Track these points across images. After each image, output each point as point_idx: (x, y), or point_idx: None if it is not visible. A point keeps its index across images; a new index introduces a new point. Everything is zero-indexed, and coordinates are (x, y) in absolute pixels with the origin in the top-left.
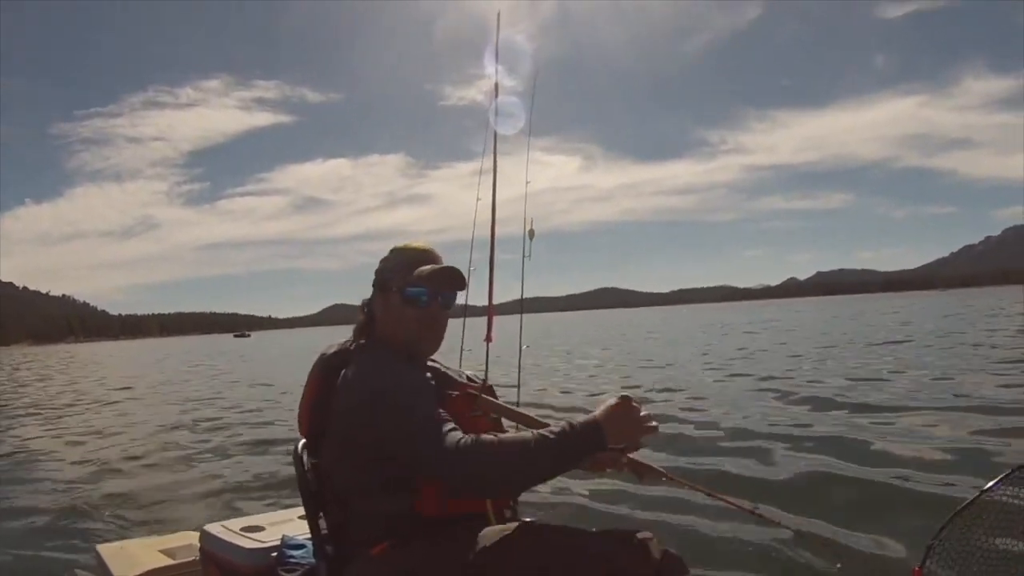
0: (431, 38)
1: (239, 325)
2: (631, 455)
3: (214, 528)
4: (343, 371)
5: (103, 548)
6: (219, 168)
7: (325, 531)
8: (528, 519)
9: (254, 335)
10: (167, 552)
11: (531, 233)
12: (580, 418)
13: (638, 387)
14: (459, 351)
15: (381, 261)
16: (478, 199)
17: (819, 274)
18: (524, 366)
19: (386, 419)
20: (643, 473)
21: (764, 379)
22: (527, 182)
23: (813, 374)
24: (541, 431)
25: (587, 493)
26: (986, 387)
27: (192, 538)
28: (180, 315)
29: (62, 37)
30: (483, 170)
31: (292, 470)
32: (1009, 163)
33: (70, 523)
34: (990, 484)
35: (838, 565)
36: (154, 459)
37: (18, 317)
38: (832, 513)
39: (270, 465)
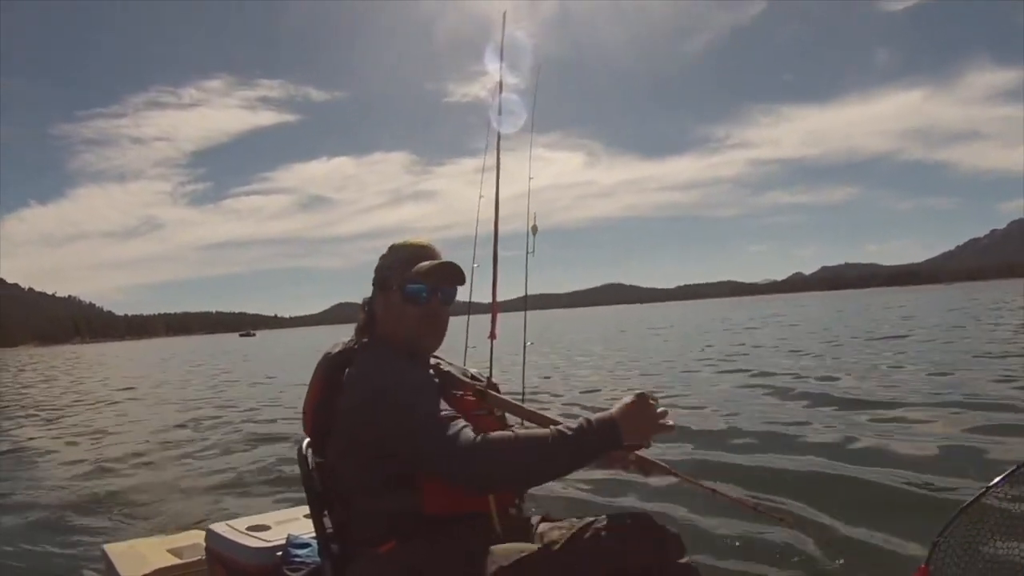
0: (434, 35)
1: (244, 324)
2: (639, 452)
3: (220, 527)
4: (347, 370)
5: (110, 547)
6: (223, 168)
7: (330, 530)
8: (537, 517)
9: (259, 334)
10: (174, 551)
11: (534, 229)
12: (597, 415)
13: (628, 378)
14: (463, 348)
15: (380, 259)
16: (481, 196)
17: (824, 268)
18: (511, 363)
19: (387, 417)
20: (649, 470)
21: (761, 375)
22: (530, 178)
23: (813, 370)
24: (558, 427)
25: (591, 487)
26: (987, 383)
27: (198, 537)
28: (186, 315)
29: (63, 37)
30: (486, 167)
31: (297, 469)
32: (1014, 155)
33: (77, 523)
34: (996, 480)
35: (840, 561)
36: (159, 459)
37: (23, 318)
38: (834, 510)
39: (275, 464)
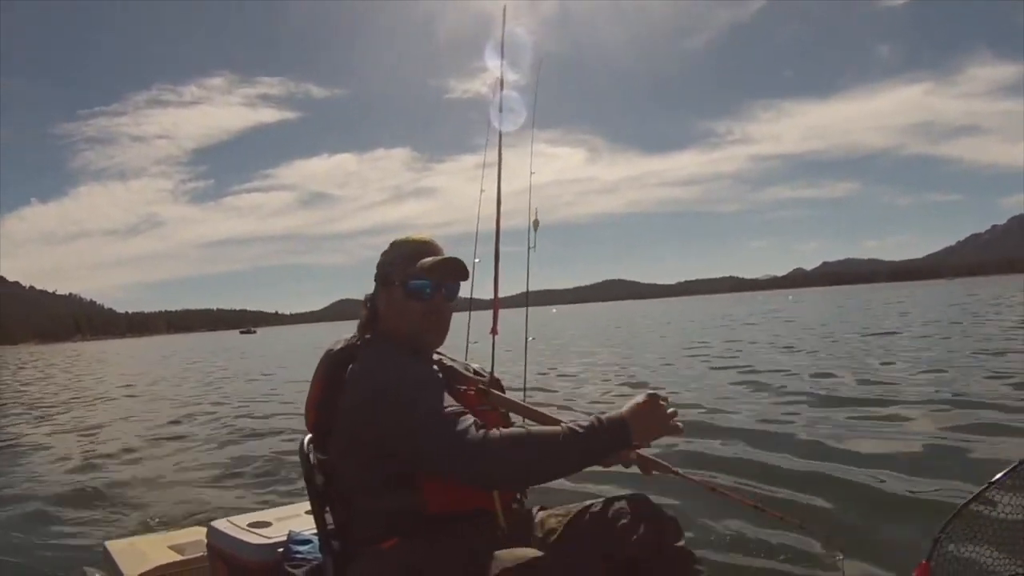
0: (435, 32)
1: (246, 321)
2: (640, 451)
3: (221, 524)
4: (349, 367)
5: (112, 544)
6: (224, 165)
7: (331, 527)
8: (536, 508)
9: (260, 331)
10: (175, 548)
11: (536, 224)
12: (607, 414)
13: (613, 375)
14: (464, 344)
15: (382, 255)
16: (482, 191)
17: (825, 264)
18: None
19: (388, 416)
20: (649, 467)
21: (753, 372)
22: (531, 172)
23: (806, 367)
24: (568, 425)
25: (591, 478)
26: (981, 380)
27: (200, 534)
28: (187, 312)
29: (64, 36)
30: (487, 163)
31: (298, 466)
32: (1015, 150)
33: (78, 519)
34: (998, 476)
35: (840, 556)
36: (159, 455)
37: (24, 316)
38: (833, 507)
39: (276, 461)
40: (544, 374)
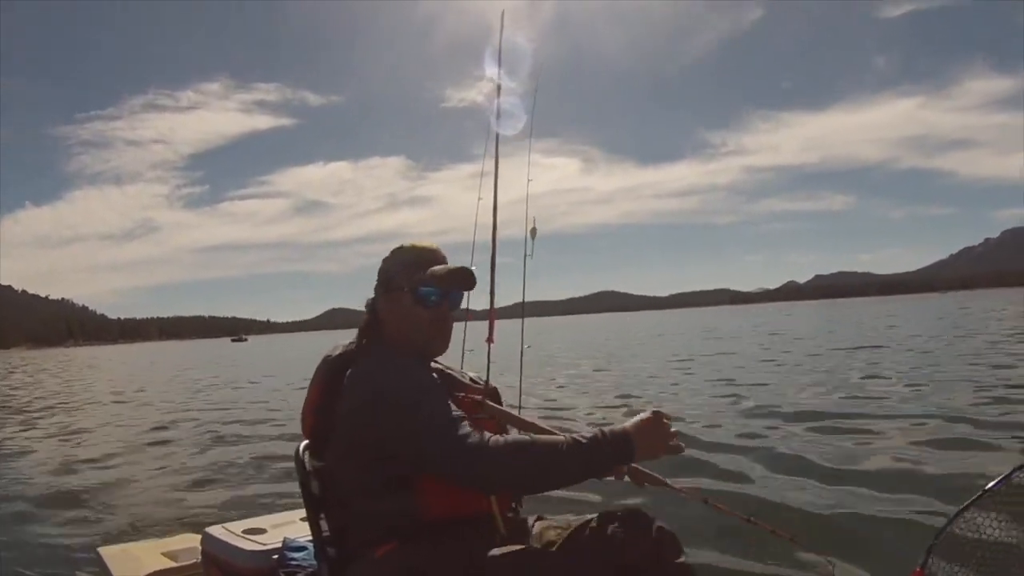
0: (432, 41)
1: (238, 329)
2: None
3: (215, 530)
4: (348, 372)
5: (104, 550)
6: (219, 171)
7: (327, 533)
8: (532, 517)
9: (251, 339)
10: (169, 554)
11: (533, 232)
12: (611, 428)
13: (587, 389)
14: (460, 352)
15: (385, 260)
16: (479, 199)
17: (818, 277)
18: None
19: (388, 418)
20: (643, 480)
21: (735, 385)
22: (528, 180)
23: (789, 380)
24: (572, 436)
25: (587, 487)
26: (963, 395)
27: (194, 540)
28: (179, 319)
29: (62, 39)
30: (484, 172)
31: (291, 472)
32: (1009, 163)
33: (70, 526)
34: (991, 484)
35: (833, 568)
36: (151, 461)
37: (16, 321)
38: (825, 519)
39: (272, 467)
40: (536, 384)
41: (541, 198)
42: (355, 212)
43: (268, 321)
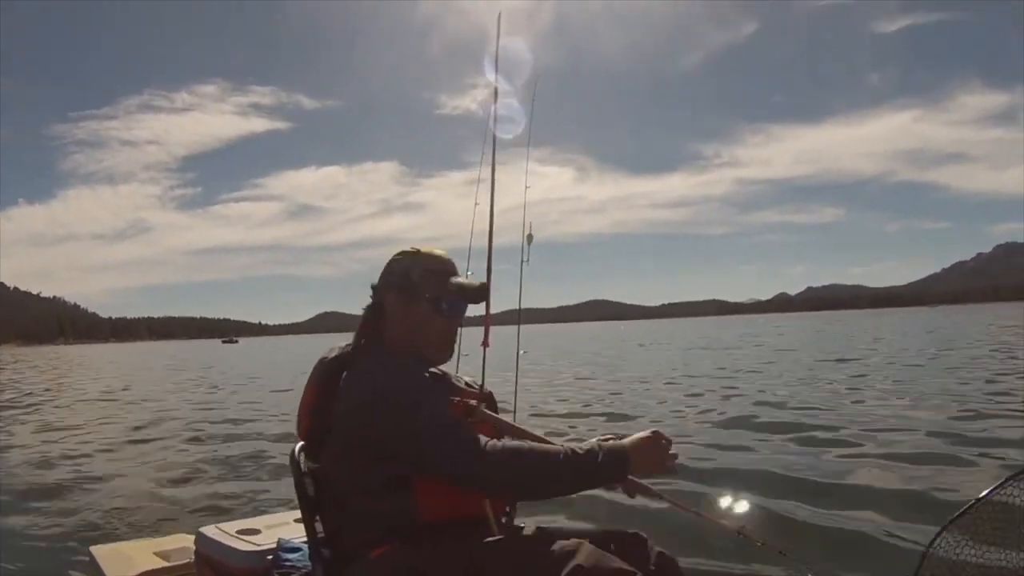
0: (428, 47)
1: (229, 331)
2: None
3: (209, 530)
4: (344, 374)
5: (97, 550)
6: (213, 173)
7: (321, 534)
8: (525, 523)
9: (242, 341)
10: (161, 554)
11: (529, 238)
12: (609, 443)
13: (565, 396)
14: (456, 356)
15: (400, 262)
16: (476, 203)
17: (809, 289)
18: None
19: (388, 418)
20: (635, 491)
21: (723, 399)
22: (527, 187)
23: (773, 391)
24: (571, 446)
25: (581, 499)
26: (944, 410)
27: (187, 540)
28: (170, 319)
29: (59, 39)
30: (480, 178)
31: (288, 473)
32: (1003, 178)
33: (63, 524)
34: (985, 492)
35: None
36: (147, 461)
37: (8, 318)
38: (814, 529)
39: (265, 468)
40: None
41: (533, 206)
42: (348, 217)
43: (260, 323)
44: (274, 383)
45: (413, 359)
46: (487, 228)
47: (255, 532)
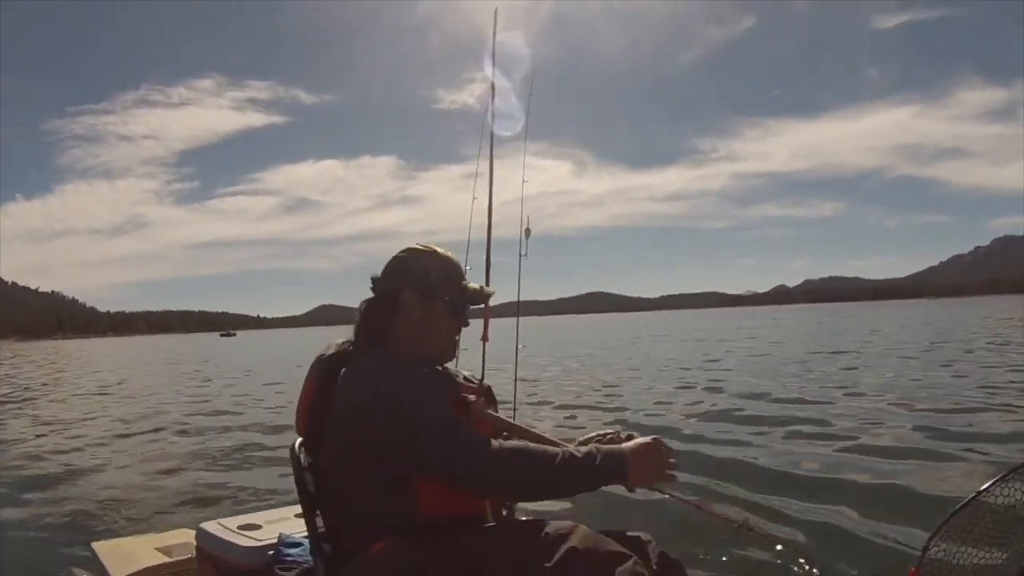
0: (425, 42)
1: (228, 324)
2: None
3: (210, 526)
4: (343, 371)
5: (98, 545)
6: (210, 167)
7: (322, 529)
8: (526, 519)
9: (240, 334)
10: (163, 550)
11: (527, 232)
12: (607, 447)
13: (548, 396)
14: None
15: (419, 262)
16: (474, 198)
17: (807, 282)
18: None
19: (388, 417)
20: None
21: (717, 392)
22: (524, 181)
23: (762, 384)
24: (569, 448)
25: (582, 497)
26: (941, 403)
27: (188, 536)
28: (168, 313)
29: (57, 34)
30: (478, 172)
31: (289, 468)
32: (1001, 173)
33: (65, 520)
34: (986, 485)
35: (816, 572)
36: (149, 456)
37: (6, 313)
38: (814, 522)
39: (266, 463)
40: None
41: (531, 200)
42: (346, 210)
43: (259, 317)
44: (268, 376)
45: (415, 359)
46: (485, 222)
47: (256, 527)
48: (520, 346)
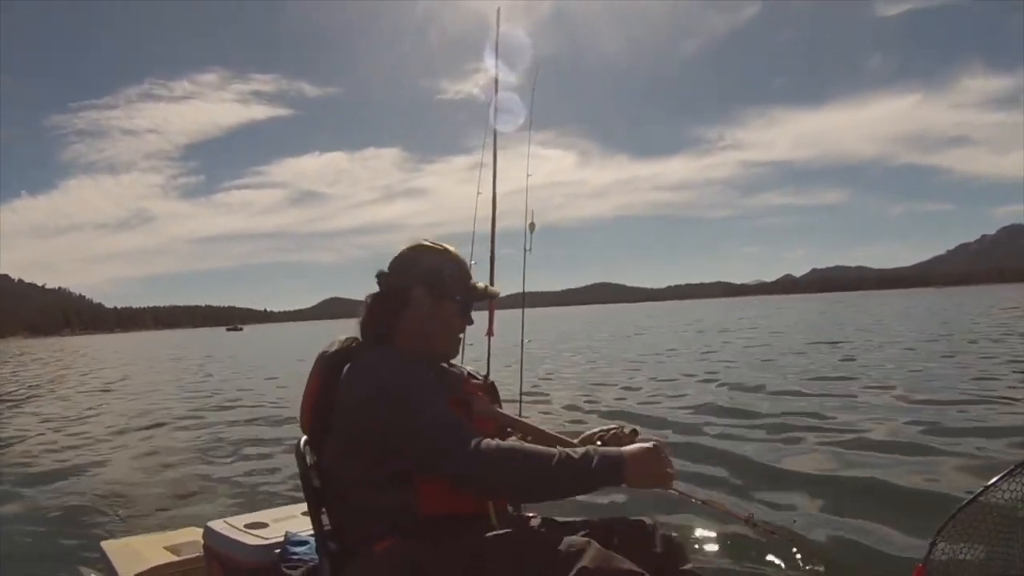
0: (429, 33)
1: (234, 318)
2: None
3: (217, 524)
4: (346, 367)
5: (107, 544)
6: (215, 161)
7: (328, 527)
8: (530, 515)
9: (247, 329)
10: (171, 548)
11: (532, 226)
12: (604, 448)
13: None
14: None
15: (431, 259)
16: (479, 193)
17: (815, 271)
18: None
19: (392, 414)
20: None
21: (719, 384)
22: (528, 175)
23: (762, 377)
24: (566, 450)
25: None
26: (937, 394)
27: (196, 534)
28: (175, 308)
29: (59, 29)
30: (482, 164)
31: (295, 466)
32: (1004, 161)
33: (74, 519)
34: (994, 480)
35: (820, 568)
36: (157, 454)
37: (13, 310)
38: (824, 517)
39: (273, 461)
40: (509, 366)
41: (536, 190)
42: (351, 203)
43: (265, 311)
44: (280, 371)
45: (419, 356)
46: (489, 214)
47: (262, 525)
48: (526, 341)
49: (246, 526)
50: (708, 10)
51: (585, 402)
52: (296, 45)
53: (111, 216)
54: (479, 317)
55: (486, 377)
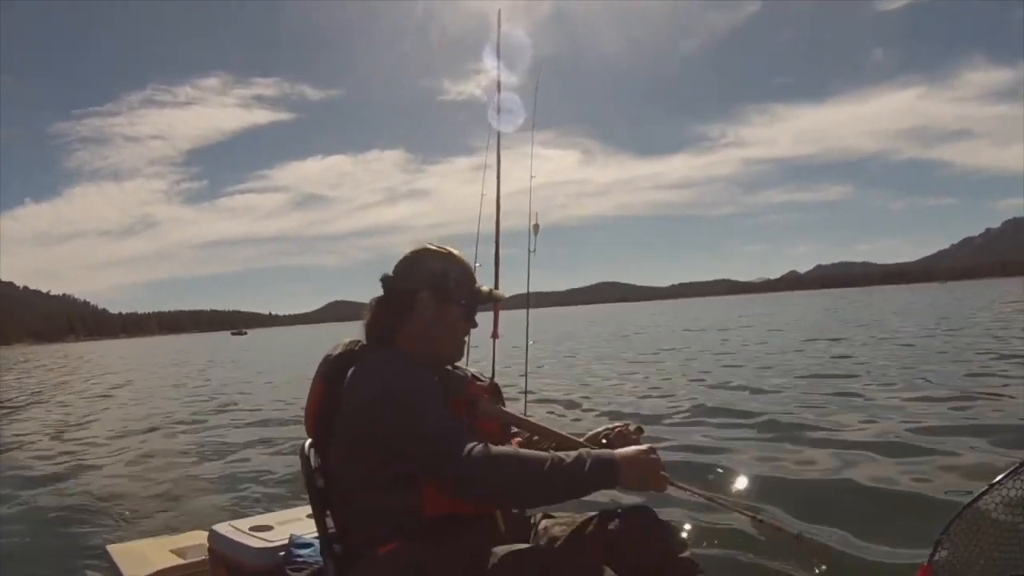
0: (430, 34)
1: (239, 323)
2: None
3: (222, 528)
4: (350, 370)
5: (113, 548)
6: (218, 166)
7: (332, 530)
8: (538, 514)
9: (251, 333)
10: (177, 552)
11: (536, 228)
12: (597, 451)
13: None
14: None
15: (436, 263)
16: (483, 194)
17: (819, 267)
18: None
19: (396, 416)
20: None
21: (722, 381)
22: (531, 176)
23: (767, 375)
24: (559, 454)
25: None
26: (936, 390)
27: (201, 538)
28: (180, 313)
29: (61, 36)
30: (486, 165)
31: (300, 469)
32: (1007, 154)
33: (78, 523)
34: (999, 478)
35: (823, 567)
36: (161, 458)
37: (18, 316)
38: (828, 516)
39: (278, 463)
40: (508, 367)
41: (539, 190)
42: (354, 205)
43: (270, 314)
44: (284, 375)
45: (423, 360)
46: (493, 215)
47: (267, 528)
48: (531, 342)
49: (251, 529)
50: (708, 9)
51: (581, 398)
52: (297, 47)
53: (115, 222)
54: (483, 319)
55: (491, 378)
